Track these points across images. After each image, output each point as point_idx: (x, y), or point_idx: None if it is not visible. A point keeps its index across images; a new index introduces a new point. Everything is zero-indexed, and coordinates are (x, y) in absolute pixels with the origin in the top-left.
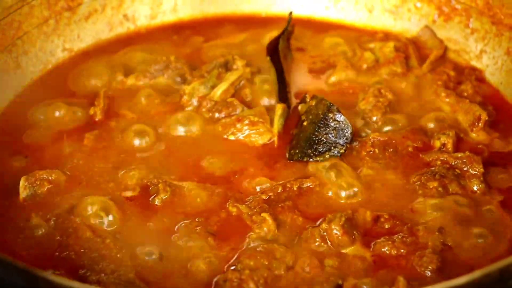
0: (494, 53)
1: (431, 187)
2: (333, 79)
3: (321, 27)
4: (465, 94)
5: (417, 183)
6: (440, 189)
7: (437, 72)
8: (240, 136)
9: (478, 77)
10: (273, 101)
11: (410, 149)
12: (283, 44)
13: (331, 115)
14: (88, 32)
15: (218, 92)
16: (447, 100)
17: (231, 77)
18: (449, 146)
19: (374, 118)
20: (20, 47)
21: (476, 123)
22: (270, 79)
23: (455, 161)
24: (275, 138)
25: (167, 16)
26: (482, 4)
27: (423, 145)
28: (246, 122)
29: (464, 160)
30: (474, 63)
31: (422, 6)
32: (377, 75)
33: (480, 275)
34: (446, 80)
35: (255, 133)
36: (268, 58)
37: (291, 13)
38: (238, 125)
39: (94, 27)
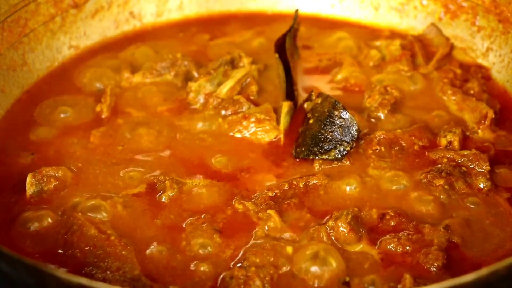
0: (500, 51)
1: (437, 184)
2: (339, 76)
3: (327, 25)
4: (472, 92)
5: (423, 180)
6: (446, 186)
7: (443, 70)
8: (246, 134)
9: (484, 75)
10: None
11: (416, 147)
12: (290, 41)
13: (336, 112)
14: (94, 29)
15: (225, 89)
16: (454, 98)
17: (237, 74)
18: (456, 144)
19: (380, 116)
20: (26, 45)
21: (483, 121)
22: (278, 77)
23: (461, 159)
24: (281, 136)
25: (173, 13)
26: (488, 1)
27: (429, 143)
28: (253, 119)
29: (471, 158)
30: (481, 61)
31: (428, 4)
32: (383, 73)
33: (487, 272)
34: (453, 78)
35: (261, 131)
36: (277, 55)
37: (297, 10)
38: (245, 123)
39: (101, 25)
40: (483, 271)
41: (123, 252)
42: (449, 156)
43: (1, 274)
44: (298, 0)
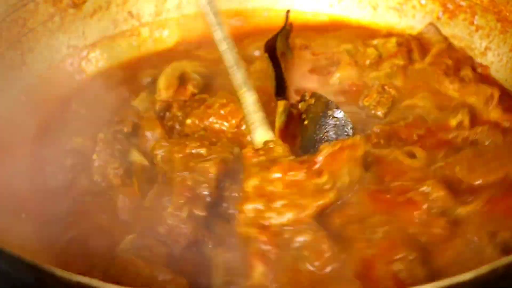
0: (499, 50)
1: None
2: (337, 76)
3: (325, 25)
4: (467, 79)
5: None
6: None
7: (435, 63)
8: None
9: (482, 74)
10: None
11: (415, 136)
12: (281, 42)
13: (330, 112)
14: (93, 29)
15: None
16: (452, 86)
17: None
18: (466, 122)
19: (379, 114)
20: (25, 44)
21: (490, 102)
22: (268, 75)
23: (476, 136)
24: (277, 135)
25: (171, 13)
26: (487, 1)
27: (437, 126)
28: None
29: (486, 133)
30: (479, 60)
31: (427, 3)
32: (380, 70)
33: (485, 271)
34: (446, 69)
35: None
36: (266, 54)
37: (288, 11)
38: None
39: (99, 24)
40: (482, 270)
41: None
42: (463, 135)
43: (0, 272)
44: (296, 0)
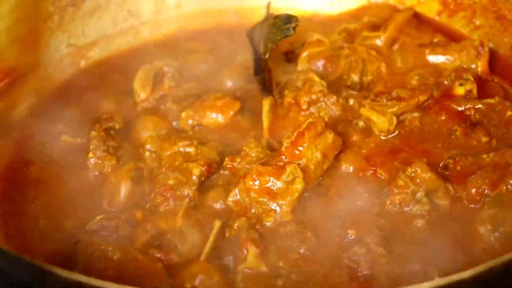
0: (498, 48)
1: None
2: (304, 54)
3: (325, 24)
4: (442, 43)
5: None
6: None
7: (406, 35)
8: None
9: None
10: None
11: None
12: (264, 29)
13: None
14: (93, 28)
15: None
16: (432, 51)
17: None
18: (474, 91)
19: (355, 79)
20: None
21: (481, 50)
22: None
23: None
24: (266, 134)
25: (171, 11)
26: None
27: (443, 92)
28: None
29: (498, 108)
30: None
31: (426, 2)
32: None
33: (484, 269)
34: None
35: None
36: (248, 39)
37: (269, 3)
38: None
39: (99, 23)
40: (480, 268)
41: None
42: (477, 106)
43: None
44: None
